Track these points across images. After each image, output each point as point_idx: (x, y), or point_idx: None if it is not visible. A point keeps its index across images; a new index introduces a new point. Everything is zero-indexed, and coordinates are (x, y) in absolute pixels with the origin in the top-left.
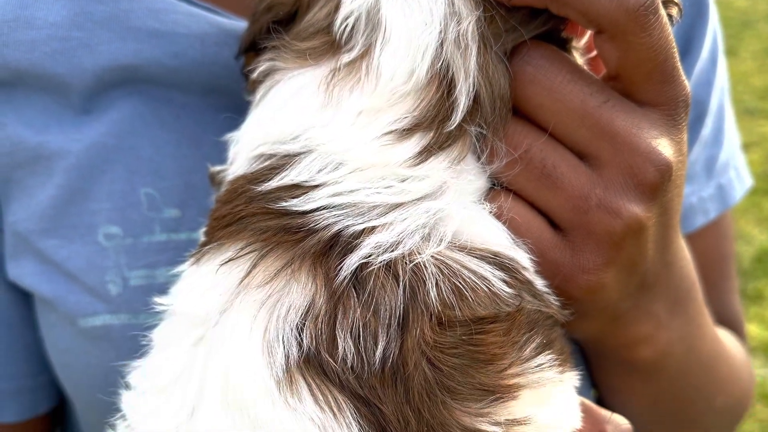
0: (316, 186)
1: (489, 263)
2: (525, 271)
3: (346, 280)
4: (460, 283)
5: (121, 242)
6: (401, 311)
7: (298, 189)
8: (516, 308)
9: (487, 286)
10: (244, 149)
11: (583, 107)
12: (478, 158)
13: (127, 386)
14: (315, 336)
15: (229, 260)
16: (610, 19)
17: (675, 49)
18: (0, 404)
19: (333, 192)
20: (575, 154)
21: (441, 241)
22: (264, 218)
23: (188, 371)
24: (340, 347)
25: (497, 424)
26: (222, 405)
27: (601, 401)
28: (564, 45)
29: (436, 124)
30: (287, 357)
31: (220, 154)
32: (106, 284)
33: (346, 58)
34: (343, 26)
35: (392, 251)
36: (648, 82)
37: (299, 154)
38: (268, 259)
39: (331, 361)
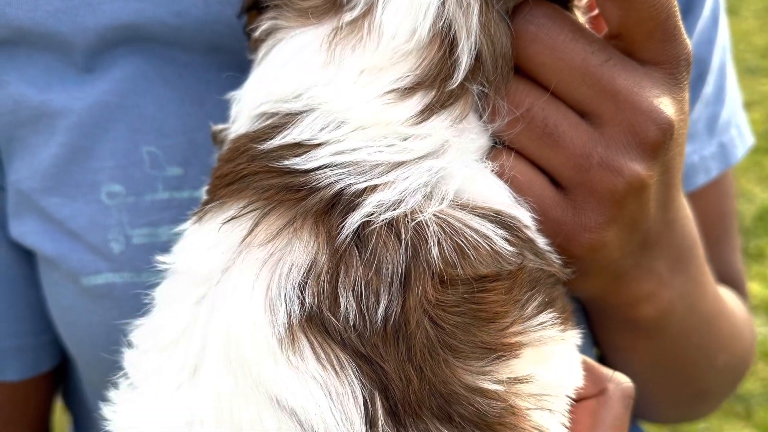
0: (319, 144)
1: (491, 222)
2: (527, 230)
3: (348, 239)
4: (462, 241)
5: (123, 200)
6: (403, 270)
7: (300, 147)
8: (518, 266)
9: (488, 245)
10: (246, 108)
11: (585, 66)
12: (480, 117)
13: (130, 345)
14: (317, 294)
15: (232, 219)
16: None
17: (676, 8)
18: (2, 363)
19: (335, 150)
20: (577, 112)
21: (443, 199)
22: (266, 177)
23: (190, 330)
24: (342, 306)
25: (499, 382)
26: (224, 364)
27: (603, 359)
28: (566, 4)
29: (438, 83)
30: (289, 315)
31: (223, 112)
32: (109, 242)
33: (348, 16)
34: None
35: (394, 210)
36: (649, 41)
37: (301, 112)
38: (271, 218)
39: (333, 319)
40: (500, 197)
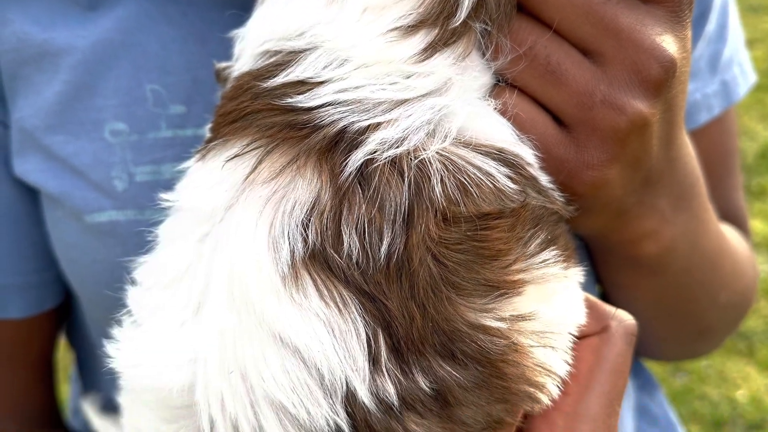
0: (322, 82)
1: (494, 159)
2: (529, 167)
3: (352, 176)
4: (464, 179)
5: (126, 138)
6: (406, 207)
7: (303, 85)
8: (520, 204)
9: (491, 182)
10: (249, 46)
11: (588, 3)
12: (483, 55)
13: (133, 282)
14: (320, 232)
15: (235, 156)
16: None
17: None
18: (6, 300)
19: (338, 88)
20: (580, 50)
21: (446, 137)
22: (269, 114)
23: (194, 267)
24: (345, 243)
25: (502, 319)
26: (227, 301)
27: (605, 297)
28: None
29: (440, 21)
30: (292, 253)
31: (226, 50)
32: (112, 180)
33: None
34: None
35: (397, 147)
36: None
37: (304, 50)
38: (274, 156)
39: (336, 256)
40: (503, 135)
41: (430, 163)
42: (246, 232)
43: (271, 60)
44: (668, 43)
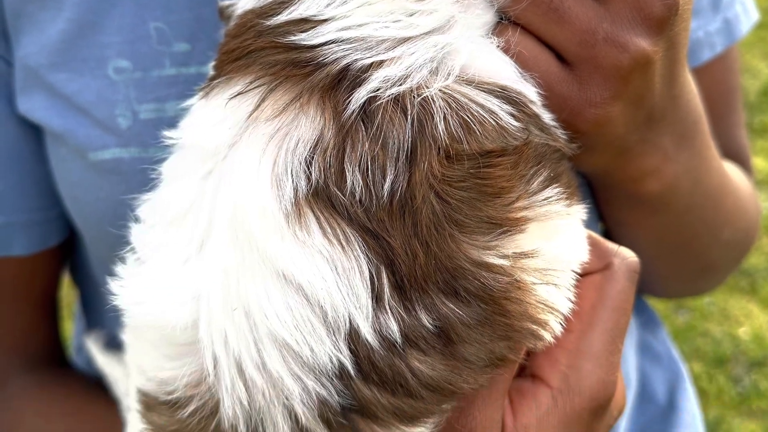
0: (325, 20)
1: (496, 97)
2: (532, 105)
3: (355, 114)
4: (467, 116)
5: (130, 76)
6: (409, 145)
7: (306, 23)
8: (523, 142)
9: (494, 120)
10: None
11: None
12: None
13: (137, 219)
14: (323, 169)
15: (238, 94)
16: None
17: None
18: (10, 237)
19: (341, 26)
20: None
21: (449, 75)
22: (273, 52)
23: (197, 205)
24: (348, 180)
25: (505, 257)
26: (231, 238)
27: (608, 234)
28: None
29: None
30: (296, 190)
31: None
32: (116, 118)
33: None
34: None
35: (400, 85)
36: None
37: None
38: (277, 93)
39: (339, 194)
40: (506, 73)
41: (433, 100)
42: (249, 169)
43: None
44: None
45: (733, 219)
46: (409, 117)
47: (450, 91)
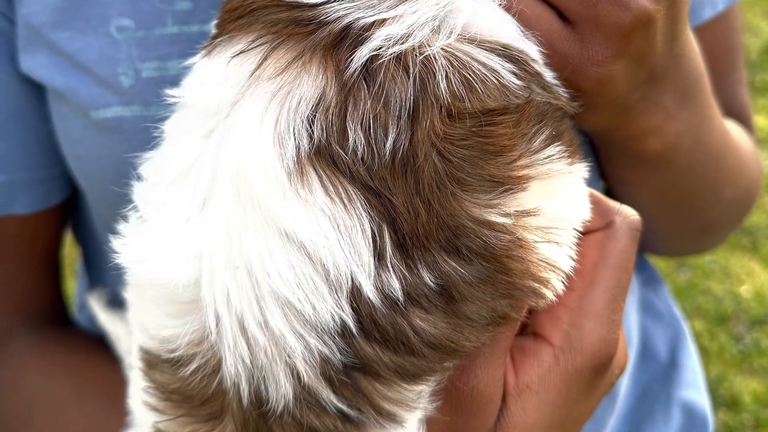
0: None
1: (498, 55)
2: (534, 63)
3: (357, 72)
4: (469, 75)
5: (133, 34)
6: (411, 103)
7: None
8: (525, 100)
9: (496, 78)
10: None
11: None
12: None
13: (139, 178)
14: (325, 128)
15: (240, 52)
16: None
17: None
18: (12, 196)
19: None
20: None
21: (450, 33)
22: (275, 11)
23: (200, 163)
24: (350, 139)
25: (506, 215)
26: (233, 197)
27: (610, 193)
28: None
29: None
30: (298, 149)
31: None
32: (118, 76)
33: None
34: None
35: (402, 43)
36: None
37: None
38: (279, 51)
39: (341, 152)
40: (508, 31)
41: (435, 59)
42: (251, 128)
43: None
44: None
45: (734, 177)
46: (411, 75)
47: (452, 50)
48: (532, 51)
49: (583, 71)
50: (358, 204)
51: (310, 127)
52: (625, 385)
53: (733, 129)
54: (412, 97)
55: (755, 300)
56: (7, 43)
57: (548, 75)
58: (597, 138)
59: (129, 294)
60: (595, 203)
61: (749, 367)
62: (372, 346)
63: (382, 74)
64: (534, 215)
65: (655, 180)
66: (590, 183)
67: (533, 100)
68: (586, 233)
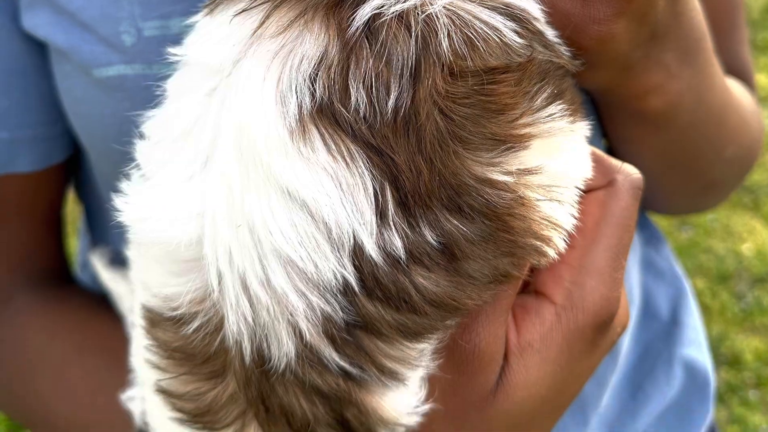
0: None
1: (500, 14)
2: (536, 22)
3: (359, 31)
4: (471, 33)
5: None
6: (413, 62)
7: None
8: (527, 58)
9: (498, 37)
10: None
11: None
12: None
13: (141, 136)
14: (328, 86)
15: (243, 11)
16: None
17: None
18: (15, 153)
19: None
20: None
21: None
22: None
23: (202, 121)
24: (352, 97)
25: (508, 173)
26: (235, 155)
27: (611, 151)
28: None
29: None
30: (300, 107)
31: None
32: (121, 35)
33: None
34: None
35: (404, 2)
36: None
37: None
38: (282, 10)
39: (343, 111)
40: None
41: (437, 17)
42: (254, 86)
43: None
44: None
45: (736, 136)
46: (413, 34)
47: (454, 8)
48: (534, 9)
49: (585, 29)
50: (360, 162)
51: (312, 86)
52: (626, 343)
53: (734, 88)
54: (414, 56)
55: (757, 258)
56: (10, 1)
57: (550, 33)
58: (598, 96)
59: (131, 252)
60: (597, 161)
61: (751, 325)
62: (374, 305)
63: (384, 33)
64: (536, 173)
65: (657, 139)
66: (592, 141)
67: (535, 58)
68: (587, 191)
